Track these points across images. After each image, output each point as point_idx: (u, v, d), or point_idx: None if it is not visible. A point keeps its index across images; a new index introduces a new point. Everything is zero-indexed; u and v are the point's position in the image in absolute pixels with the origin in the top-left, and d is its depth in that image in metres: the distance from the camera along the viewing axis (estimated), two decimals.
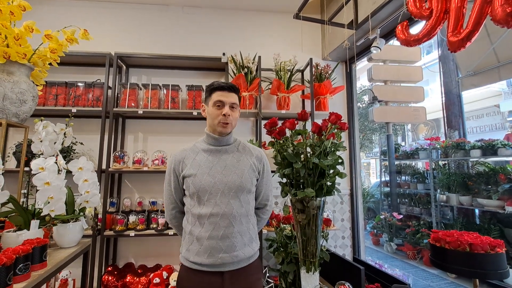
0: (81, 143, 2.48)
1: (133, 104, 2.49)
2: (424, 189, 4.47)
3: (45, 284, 2.24)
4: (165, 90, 2.59)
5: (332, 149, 1.53)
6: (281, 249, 1.97)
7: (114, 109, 2.43)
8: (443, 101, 4.50)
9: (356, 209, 2.97)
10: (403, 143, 11.73)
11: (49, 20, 2.76)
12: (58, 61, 1.42)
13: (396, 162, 5.26)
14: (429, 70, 4.68)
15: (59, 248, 1.34)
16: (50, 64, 1.41)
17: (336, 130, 1.58)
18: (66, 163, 1.42)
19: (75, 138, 2.40)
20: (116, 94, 2.52)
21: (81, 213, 1.41)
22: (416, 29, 1.18)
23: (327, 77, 2.79)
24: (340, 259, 1.95)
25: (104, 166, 2.36)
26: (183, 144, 2.99)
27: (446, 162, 4.19)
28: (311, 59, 2.74)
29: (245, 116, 2.78)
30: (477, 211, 3.68)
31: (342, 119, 1.40)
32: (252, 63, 2.65)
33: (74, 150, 2.42)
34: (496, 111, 12.43)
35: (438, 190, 4.00)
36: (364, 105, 8.27)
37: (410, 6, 1.07)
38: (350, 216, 3.00)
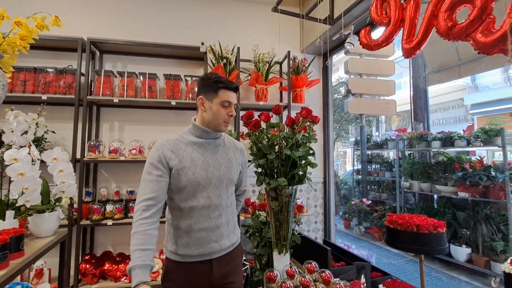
0: (53, 132, 2.40)
1: (108, 92, 2.43)
2: (391, 176, 4.83)
3: (19, 275, 2.22)
4: (142, 78, 2.55)
5: (304, 141, 1.64)
6: (257, 234, 2.09)
7: (88, 97, 2.37)
8: (411, 95, 4.80)
9: (328, 196, 3.18)
10: (377, 133, 12.34)
11: (20, 5, 2.56)
12: (28, 48, 1.37)
13: (368, 152, 5.58)
14: (400, 66, 4.94)
15: (36, 238, 1.35)
16: (19, 50, 1.36)
17: (308, 123, 1.69)
18: (39, 153, 1.41)
19: (46, 127, 2.32)
20: (89, 81, 2.44)
21: (57, 203, 1.42)
22: (380, 32, 1.29)
23: (304, 71, 2.88)
24: (310, 242, 2.12)
25: (78, 156, 2.32)
26: (161, 134, 2.99)
27: (411, 152, 4.54)
28: (289, 52, 2.81)
29: None
30: (435, 196, 4.07)
31: (312, 113, 1.50)
32: (231, 54, 2.67)
33: (46, 139, 2.34)
34: (460, 104, 13.39)
35: (403, 178, 4.35)
36: (341, 96, 8.55)
37: (372, 13, 1.17)
38: (322, 203, 3.20)
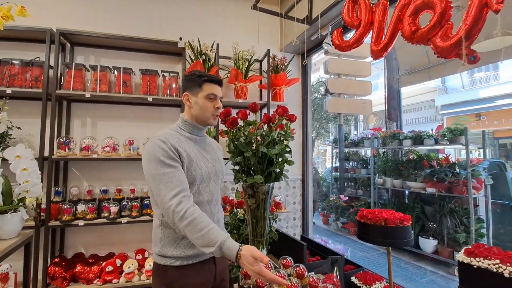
0: (19, 128, 2.25)
1: (79, 87, 2.32)
2: (367, 174, 5.03)
3: None
4: (116, 73, 2.46)
5: (281, 138, 1.67)
6: (234, 231, 2.10)
7: (57, 91, 2.24)
8: (386, 96, 5.02)
9: (306, 193, 3.25)
10: (355, 132, 12.76)
11: None
12: None
13: (346, 150, 5.77)
14: (376, 68, 5.14)
15: None
16: None
17: (285, 121, 1.72)
18: (0, 151, 1.32)
19: (10, 123, 2.18)
20: (58, 74, 2.31)
21: (20, 204, 1.34)
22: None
23: (283, 69, 2.92)
24: (287, 238, 2.16)
25: (46, 153, 2.19)
26: (136, 131, 2.90)
27: (384, 150, 4.75)
28: (268, 50, 2.83)
29: None
30: (406, 192, 4.30)
31: (289, 111, 1.53)
32: (210, 50, 2.64)
33: (10, 135, 2.19)
34: (432, 105, 14.21)
35: (377, 175, 4.55)
36: (321, 95, 8.75)
37: (344, 15, 1.21)
38: (301, 200, 3.27)
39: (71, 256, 2.40)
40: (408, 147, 4.07)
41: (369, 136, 4.73)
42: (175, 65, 2.82)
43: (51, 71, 2.27)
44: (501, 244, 3.58)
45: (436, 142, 3.63)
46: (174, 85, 2.59)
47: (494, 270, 0.80)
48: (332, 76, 5.61)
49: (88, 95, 2.29)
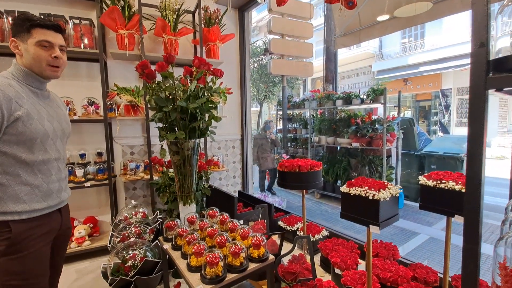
0: None
1: None
2: (306, 134, 5.39)
3: None
4: (10, 19, 2.00)
5: (205, 94, 1.63)
6: (166, 189, 2.10)
7: None
8: (324, 58, 5.22)
9: (246, 152, 3.36)
10: (302, 94, 13.26)
11: None
12: None
13: (289, 112, 6.00)
14: (317, 31, 5.23)
15: None
16: None
17: (210, 76, 1.66)
18: None
19: None
20: None
21: None
22: None
23: (217, 23, 2.75)
24: (221, 192, 2.25)
25: None
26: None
27: (322, 110, 5.09)
28: (199, 0, 2.60)
29: (126, 58, 2.50)
30: (338, 148, 4.79)
31: (207, 63, 1.47)
32: None
33: None
34: (369, 71, 15.41)
35: (313, 133, 4.92)
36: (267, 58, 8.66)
37: None
38: (240, 159, 3.38)
39: None
40: (340, 106, 4.42)
41: (309, 97, 4.97)
42: (88, 11, 2.41)
43: None
44: (404, 183, 4.36)
45: (362, 101, 4.01)
46: (88, 36, 2.24)
47: (363, 195, 0.97)
48: (275, 37, 5.54)
49: None
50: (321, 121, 4.87)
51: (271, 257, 1.23)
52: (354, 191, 0.99)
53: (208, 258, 1.06)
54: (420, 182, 1.11)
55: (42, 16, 1.94)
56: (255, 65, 9.16)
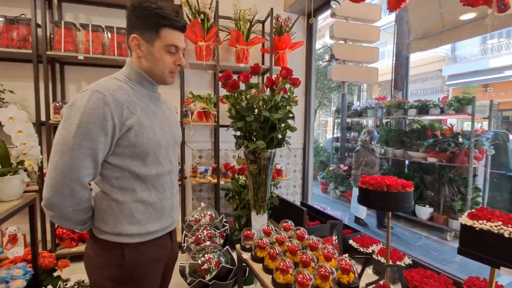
0: (11, 92, 2.17)
1: (71, 48, 2.19)
2: None
3: None
4: (109, 34, 2.30)
5: (284, 103, 1.60)
6: (236, 196, 2.13)
7: (48, 52, 2.12)
8: (393, 63, 4.80)
9: (307, 161, 3.26)
10: (358, 103, 12.53)
11: None
12: None
13: (348, 120, 5.69)
14: (386, 32, 4.85)
15: None
16: None
17: (288, 85, 1.64)
18: None
19: (2, 86, 2.09)
20: (48, 34, 2.16)
21: (19, 166, 1.32)
22: None
23: (287, 31, 2.74)
24: (288, 203, 2.20)
25: (43, 118, 2.14)
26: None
27: (388, 120, 4.67)
28: (272, 9, 2.63)
29: (202, 68, 2.66)
30: (407, 162, 4.32)
31: (293, 74, 1.44)
32: (209, 8, 2.45)
33: (3, 99, 2.12)
34: (438, 75, 13.73)
35: (379, 144, 4.53)
36: (325, 63, 8.41)
37: None
38: (301, 168, 3.28)
39: None
40: (413, 116, 3.99)
41: (373, 105, 4.62)
42: None
43: (39, 31, 2.12)
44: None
45: (442, 111, 3.54)
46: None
47: (496, 232, 0.80)
48: (338, 42, 5.32)
49: (81, 57, 2.17)
50: (388, 131, 4.47)
51: (362, 285, 1.12)
52: (482, 225, 0.83)
53: (298, 279, 1.01)
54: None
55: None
56: None
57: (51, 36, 2.18)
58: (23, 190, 1.38)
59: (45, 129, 2.17)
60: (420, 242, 3.58)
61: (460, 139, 3.44)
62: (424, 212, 3.81)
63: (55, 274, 1.59)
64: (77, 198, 0.80)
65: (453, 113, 3.42)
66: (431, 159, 3.60)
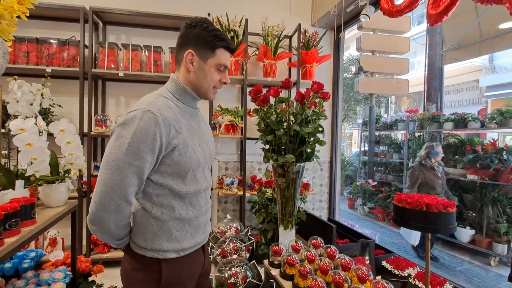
0: (59, 106, 2.39)
1: (113, 66, 2.38)
2: (399, 158, 4.77)
3: (34, 242, 2.32)
4: (146, 52, 2.48)
5: (314, 117, 1.59)
6: (262, 210, 2.12)
7: (93, 70, 2.32)
8: (426, 74, 4.60)
9: (334, 176, 3.16)
10: (385, 115, 12.08)
11: None
12: (27, 14, 1.31)
13: (376, 133, 5.48)
14: (416, 42, 4.69)
15: (47, 207, 1.38)
16: (18, 17, 1.30)
17: (318, 99, 1.63)
18: (46, 124, 1.40)
19: (52, 100, 2.30)
20: (93, 53, 2.38)
21: (66, 175, 1.43)
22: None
23: (315, 45, 2.75)
24: (315, 219, 2.13)
25: (85, 130, 2.32)
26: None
27: (421, 133, 4.43)
28: (299, 24, 2.67)
29: (231, 82, 2.75)
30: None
31: (324, 88, 1.44)
32: (239, 26, 2.55)
33: (53, 112, 2.34)
34: (475, 86, 12.86)
35: (411, 159, 4.29)
36: (351, 75, 8.28)
37: None
38: (328, 182, 3.20)
39: None
40: (449, 130, 3.74)
41: (404, 118, 4.42)
42: None
43: (86, 50, 2.34)
44: None
45: (483, 125, 3.29)
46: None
47: None
48: (365, 54, 5.23)
49: (121, 73, 2.35)
50: (421, 146, 4.23)
51: None
52: None
53: None
54: None
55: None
56: None
57: (96, 55, 2.39)
58: (68, 197, 1.49)
59: (86, 140, 2.35)
60: (461, 267, 3.27)
61: (505, 155, 3.16)
62: (464, 234, 3.49)
63: (90, 279, 1.67)
64: (121, 214, 0.82)
65: (496, 127, 3.16)
66: (471, 176, 3.33)
